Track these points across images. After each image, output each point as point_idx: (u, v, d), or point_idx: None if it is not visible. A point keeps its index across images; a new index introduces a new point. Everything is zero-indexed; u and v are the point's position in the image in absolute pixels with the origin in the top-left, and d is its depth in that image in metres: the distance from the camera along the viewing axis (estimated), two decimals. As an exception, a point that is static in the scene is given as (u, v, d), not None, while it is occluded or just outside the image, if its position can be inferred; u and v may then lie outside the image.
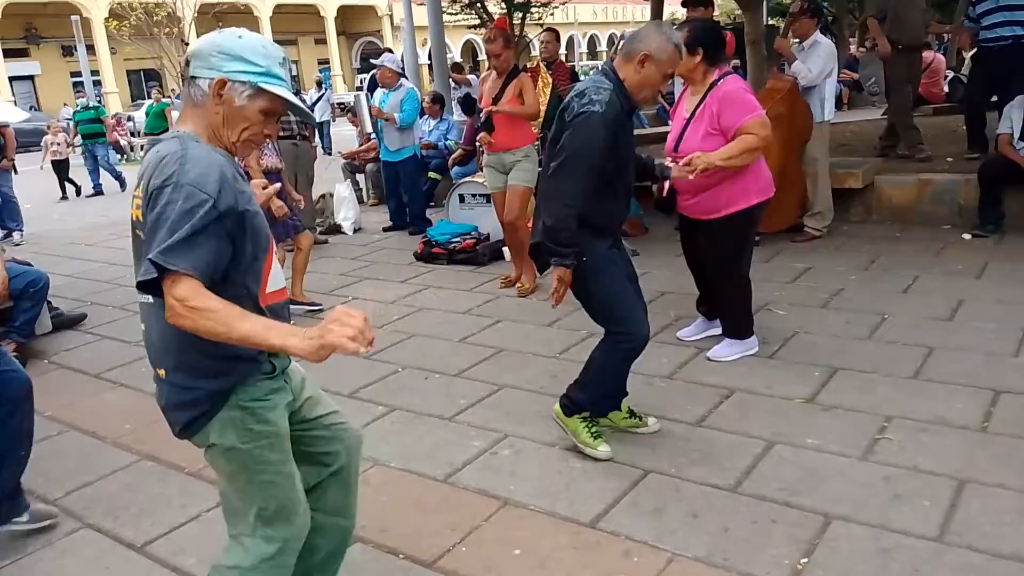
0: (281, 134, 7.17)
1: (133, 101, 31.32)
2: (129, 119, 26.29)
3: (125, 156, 19.79)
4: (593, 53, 51.86)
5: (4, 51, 28.51)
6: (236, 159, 1.85)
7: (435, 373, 4.23)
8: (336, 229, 8.00)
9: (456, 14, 17.70)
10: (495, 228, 6.56)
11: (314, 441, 2.07)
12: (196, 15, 25.99)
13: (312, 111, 7.81)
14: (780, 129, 5.55)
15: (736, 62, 13.13)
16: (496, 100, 5.46)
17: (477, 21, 17.43)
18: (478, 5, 16.97)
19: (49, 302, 5.60)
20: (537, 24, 16.72)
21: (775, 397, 3.61)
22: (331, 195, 8.16)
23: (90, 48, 29.32)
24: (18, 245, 8.91)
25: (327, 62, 39.56)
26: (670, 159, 3.91)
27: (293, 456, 1.95)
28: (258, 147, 1.94)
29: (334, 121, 16.76)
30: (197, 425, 1.82)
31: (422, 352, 4.55)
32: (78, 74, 25.23)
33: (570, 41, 49.94)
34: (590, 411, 3.27)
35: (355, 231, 7.98)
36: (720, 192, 3.85)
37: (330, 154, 14.18)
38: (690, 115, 3.87)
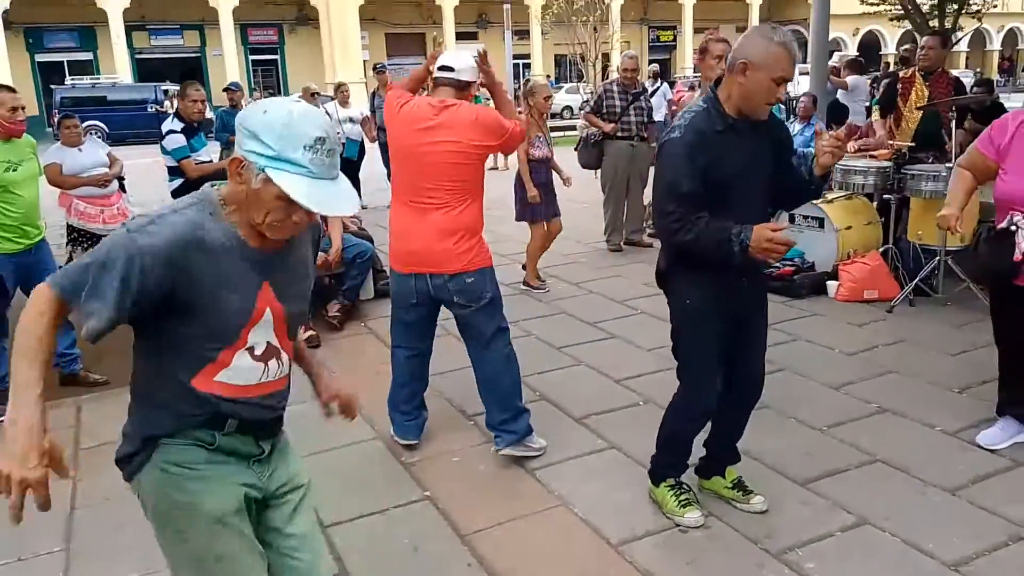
0: (620, 135, 7.14)
1: (556, 83, 34.12)
2: (547, 98, 28.97)
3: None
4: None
5: (457, 34, 32.72)
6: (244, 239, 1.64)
7: (674, 417, 3.86)
8: (666, 233, 7.75)
9: (877, 3, 15.91)
10: (825, 257, 5.82)
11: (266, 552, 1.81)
12: (624, 2, 27.24)
13: (648, 106, 7.50)
14: None
15: None
16: None
17: (901, 11, 15.40)
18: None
19: (382, 271, 6.31)
20: (974, 17, 14.30)
21: (1089, 561, 2.63)
22: (667, 197, 7.90)
23: (527, 33, 32.41)
24: (364, 208, 9.99)
25: (747, 51, 38.54)
26: (1021, 214, 3.02)
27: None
28: (291, 235, 1.69)
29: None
30: (126, 467, 1.72)
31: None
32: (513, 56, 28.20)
33: (1010, 35, 41.97)
34: (670, 474, 3.04)
35: (684, 238, 7.64)
36: None
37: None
38: None
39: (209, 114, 10.35)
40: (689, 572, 2.69)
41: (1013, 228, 2.97)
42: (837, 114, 7.82)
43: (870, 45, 38.24)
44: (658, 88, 12.35)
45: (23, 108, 4.28)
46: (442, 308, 3.56)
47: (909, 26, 15.19)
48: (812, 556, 2.74)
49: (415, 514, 3.13)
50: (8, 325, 4.35)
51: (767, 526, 2.92)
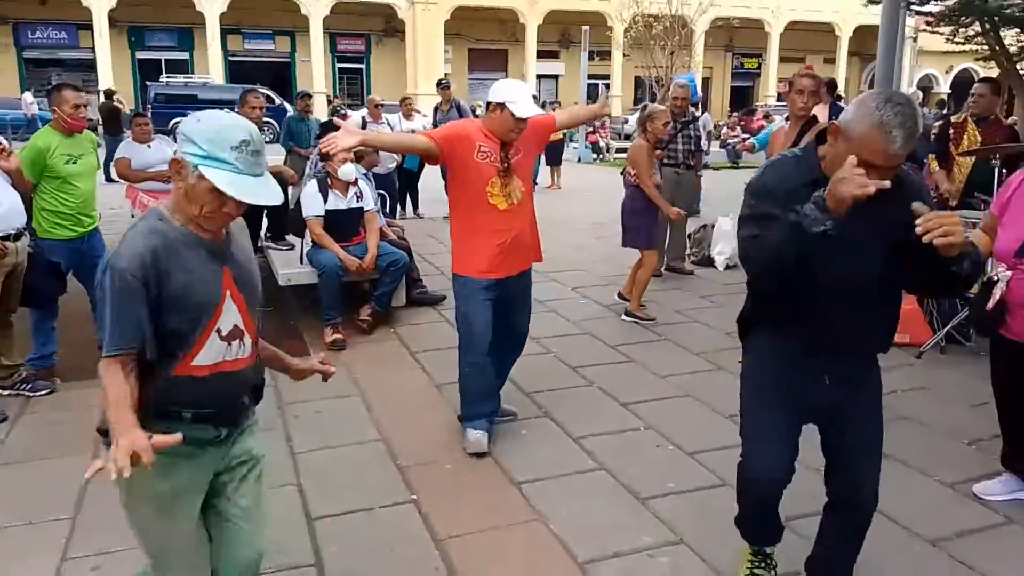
0: (666, 162, 7.15)
1: (635, 104, 34.10)
2: (625, 121, 29.00)
3: (600, 156, 21.53)
4: None
5: (538, 52, 33.05)
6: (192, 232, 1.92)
7: (670, 444, 3.89)
8: (708, 262, 7.73)
9: (963, 41, 15.39)
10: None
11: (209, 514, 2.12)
12: (709, 27, 27.36)
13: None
14: None
15: None
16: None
17: (988, 52, 14.88)
18: (990, 33, 14.45)
19: (420, 280, 6.49)
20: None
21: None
22: (712, 226, 7.89)
23: (608, 54, 32.47)
24: (420, 217, 10.28)
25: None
26: (1005, 267, 3.03)
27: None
28: (225, 224, 1.96)
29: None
30: None
31: (676, 416, 4.21)
32: (591, 76, 28.20)
33: None
34: (749, 540, 2.77)
35: (726, 268, 7.60)
36: None
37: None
38: None
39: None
40: (647, 597, 2.74)
41: (995, 279, 2.98)
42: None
43: (964, 83, 36.90)
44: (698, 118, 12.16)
45: (86, 106, 4.62)
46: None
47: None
48: (774, 593, 2.74)
49: (398, 515, 3.26)
50: (58, 308, 4.68)
51: (737, 558, 2.93)
